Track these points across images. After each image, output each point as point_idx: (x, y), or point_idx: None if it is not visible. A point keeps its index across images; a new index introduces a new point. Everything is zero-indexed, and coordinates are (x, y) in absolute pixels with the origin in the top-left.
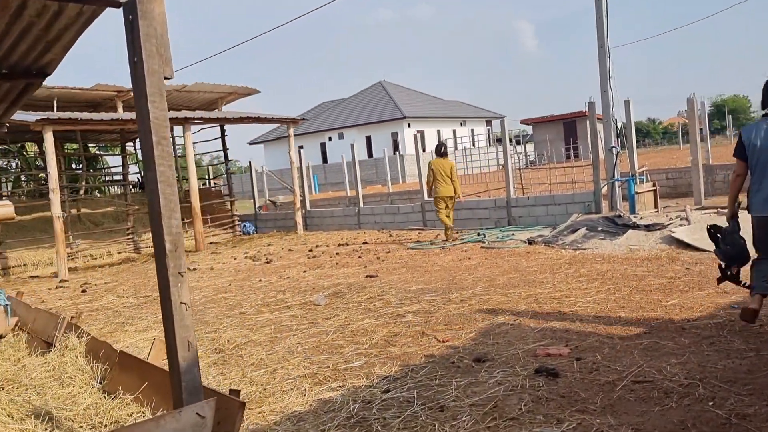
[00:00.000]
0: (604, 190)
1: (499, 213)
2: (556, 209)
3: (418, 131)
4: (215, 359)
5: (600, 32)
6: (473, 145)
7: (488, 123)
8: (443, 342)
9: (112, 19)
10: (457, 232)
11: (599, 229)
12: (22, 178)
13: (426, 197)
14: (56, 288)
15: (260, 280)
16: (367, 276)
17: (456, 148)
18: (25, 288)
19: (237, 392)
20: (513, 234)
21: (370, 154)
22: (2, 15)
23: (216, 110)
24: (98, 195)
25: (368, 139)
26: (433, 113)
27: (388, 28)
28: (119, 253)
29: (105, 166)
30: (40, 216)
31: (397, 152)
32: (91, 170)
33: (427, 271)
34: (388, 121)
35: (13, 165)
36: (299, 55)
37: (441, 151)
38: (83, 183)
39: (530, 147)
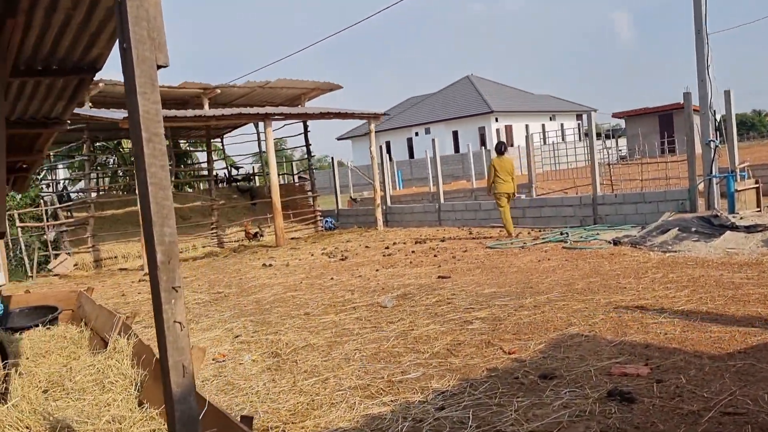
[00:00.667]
0: (701, 187)
1: (584, 211)
2: (646, 207)
3: (505, 126)
4: (270, 364)
5: (697, 16)
6: (562, 139)
7: (578, 117)
8: (509, 354)
9: (191, 16)
10: (539, 231)
11: (693, 229)
12: (119, 173)
13: (488, 193)
14: (138, 281)
15: (332, 279)
16: (439, 277)
17: (544, 143)
18: (111, 281)
19: (249, 420)
20: (598, 233)
21: (456, 149)
22: (37, 7)
23: (299, 106)
24: (189, 190)
25: (455, 134)
26: (522, 107)
27: (477, 21)
28: (203, 247)
29: (195, 162)
30: (133, 210)
31: (483, 147)
32: (182, 166)
33: (502, 273)
34: (475, 116)
35: (111, 161)
36: (386, 50)
37: (501, 149)
38: (173, 178)
39: (622, 141)
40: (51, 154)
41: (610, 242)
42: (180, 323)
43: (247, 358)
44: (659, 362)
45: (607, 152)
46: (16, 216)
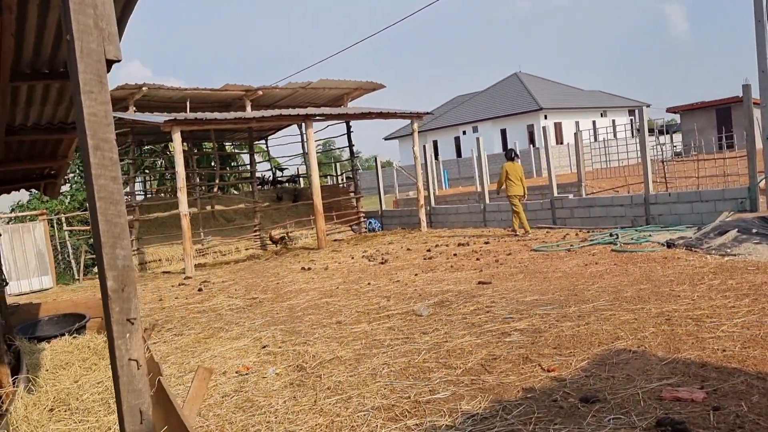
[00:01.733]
0: (762, 184)
1: (636, 211)
2: (702, 207)
3: (554, 123)
4: (293, 378)
5: (757, 4)
6: (614, 136)
7: (631, 113)
8: (548, 371)
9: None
10: (587, 232)
11: (754, 231)
12: (166, 176)
13: (497, 194)
14: (179, 285)
15: (369, 284)
16: (479, 282)
17: (594, 140)
18: (152, 284)
19: None
20: (650, 235)
21: (504, 148)
22: (28, 5)
23: (342, 106)
24: (235, 192)
25: (503, 132)
26: (571, 104)
27: (524, 18)
28: (246, 249)
29: (240, 164)
30: (176, 213)
31: (531, 145)
32: (227, 168)
33: (546, 278)
34: (523, 113)
35: (158, 164)
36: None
37: (512, 156)
38: (217, 180)
39: (677, 137)
40: None
41: (663, 244)
42: (136, 361)
43: (271, 372)
44: (717, 385)
45: (661, 149)
46: (63, 219)
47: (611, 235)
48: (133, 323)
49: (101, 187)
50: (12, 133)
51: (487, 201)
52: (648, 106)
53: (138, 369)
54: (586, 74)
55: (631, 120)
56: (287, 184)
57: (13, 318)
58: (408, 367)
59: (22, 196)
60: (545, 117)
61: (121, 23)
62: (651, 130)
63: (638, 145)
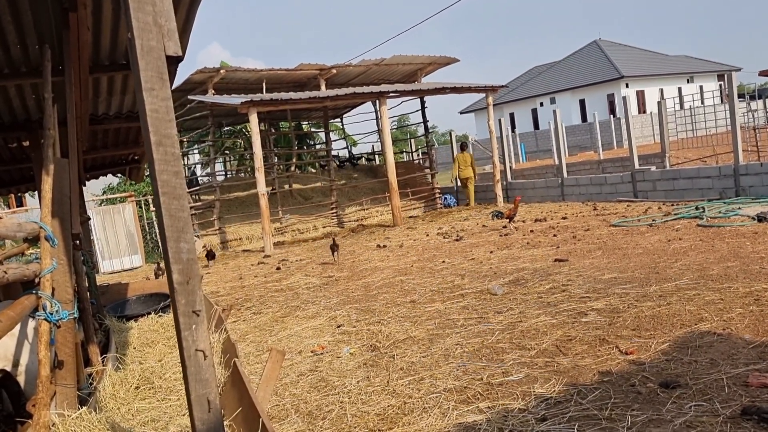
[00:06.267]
0: None
1: (724, 182)
2: None
3: (636, 91)
4: (366, 359)
5: None
6: (701, 103)
7: (720, 78)
8: (626, 354)
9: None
10: (671, 206)
11: None
12: (245, 156)
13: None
14: (257, 264)
15: (443, 261)
16: (555, 260)
17: (680, 108)
18: (233, 263)
19: None
20: (739, 208)
21: (584, 119)
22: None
23: (416, 82)
24: (313, 171)
25: (582, 102)
26: (655, 70)
27: None
28: (324, 227)
29: (317, 142)
30: (255, 192)
31: (612, 115)
32: (304, 147)
33: (626, 255)
34: (603, 83)
35: (238, 144)
36: (508, 19)
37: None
38: (294, 159)
39: None
40: (184, 140)
41: (753, 218)
42: (203, 352)
43: (345, 351)
44: None
45: (753, 115)
46: (150, 201)
47: (697, 208)
48: (198, 315)
49: (164, 183)
50: (96, 122)
51: (565, 175)
52: (738, 69)
53: (204, 359)
54: (672, 39)
55: (720, 85)
56: (362, 161)
57: (103, 298)
58: (481, 348)
59: (112, 179)
60: (627, 85)
61: (187, 22)
62: (741, 96)
63: (727, 111)
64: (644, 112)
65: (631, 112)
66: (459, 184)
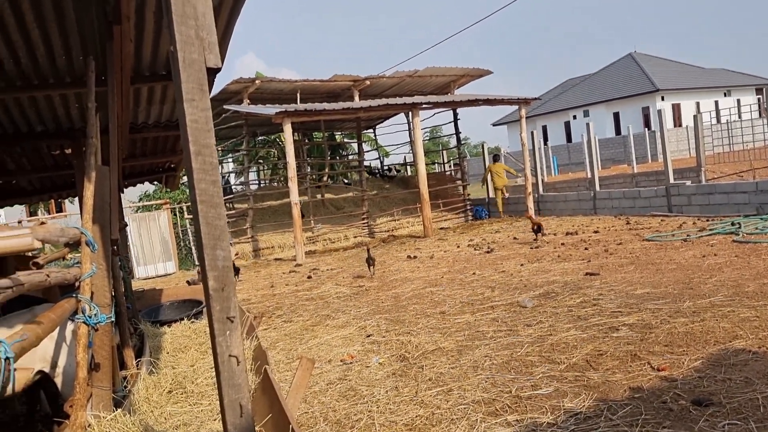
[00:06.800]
0: None
1: (761, 198)
2: None
3: (672, 104)
4: (395, 369)
5: None
6: (738, 117)
7: (758, 91)
8: (658, 370)
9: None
10: (706, 221)
11: None
12: (279, 166)
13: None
14: (289, 272)
15: (474, 273)
16: (586, 273)
17: (717, 121)
18: (265, 271)
19: None
20: None
21: (618, 132)
22: (145, 12)
23: (448, 94)
24: (345, 181)
25: (616, 115)
26: (691, 84)
27: None
28: (355, 237)
29: (350, 153)
30: (287, 201)
31: (647, 129)
32: (336, 157)
33: (659, 270)
34: (638, 95)
35: (271, 154)
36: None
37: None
38: (326, 169)
39: None
40: (219, 149)
41: None
42: (236, 357)
43: (375, 361)
44: None
45: None
46: (185, 208)
47: (733, 224)
48: (232, 321)
49: (202, 191)
50: (135, 131)
51: (598, 188)
52: None
53: (238, 365)
54: (709, 52)
55: (759, 99)
56: (393, 171)
57: (138, 303)
58: (510, 360)
59: (148, 186)
60: (662, 98)
61: (226, 34)
62: None
63: (765, 126)
64: (680, 125)
65: (666, 125)
66: (491, 194)
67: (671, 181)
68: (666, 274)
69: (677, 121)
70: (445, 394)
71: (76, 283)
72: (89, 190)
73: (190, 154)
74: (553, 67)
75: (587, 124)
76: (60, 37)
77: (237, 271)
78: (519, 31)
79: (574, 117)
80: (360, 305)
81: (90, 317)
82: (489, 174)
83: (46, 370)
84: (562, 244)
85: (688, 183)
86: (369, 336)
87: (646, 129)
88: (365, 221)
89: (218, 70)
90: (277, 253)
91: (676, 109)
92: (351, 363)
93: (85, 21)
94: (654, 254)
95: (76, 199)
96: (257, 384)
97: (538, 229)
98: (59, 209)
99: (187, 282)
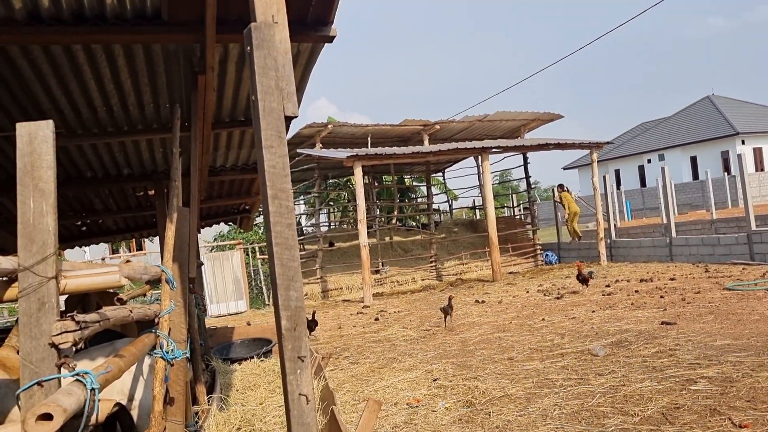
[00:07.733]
0: None
1: None
2: None
3: (753, 148)
4: (461, 414)
5: None
6: None
7: None
8: (740, 427)
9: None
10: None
11: None
12: (349, 208)
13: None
14: (357, 314)
15: (543, 319)
16: (662, 322)
17: None
18: (333, 312)
19: None
20: None
21: (695, 176)
22: (228, 63)
23: (519, 138)
24: (413, 224)
25: (693, 159)
26: None
27: (718, 38)
28: (422, 280)
29: (419, 196)
30: (356, 243)
31: (726, 173)
32: (405, 200)
33: (741, 321)
34: (717, 139)
35: (342, 196)
36: (615, 74)
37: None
38: (395, 212)
39: None
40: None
41: None
42: (305, 396)
43: (441, 406)
44: None
45: None
46: (257, 249)
47: None
48: (303, 360)
49: (278, 234)
50: (214, 173)
51: (674, 234)
52: None
53: (307, 404)
54: None
55: None
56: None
57: (211, 340)
58: (580, 410)
59: (223, 227)
60: (742, 142)
61: (302, 83)
62: None
63: None
64: (762, 170)
65: (747, 169)
66: (567, 223)
67: (753, 227)
68: (748, 325)
69: (759, 165)
70: None
71: (156, 319)
72: (170, 230)
73: (268, 198)
74: (626, 110)
75: (662, 168)
76: (149, 87)
77: (315, 324)
78: (591, 74)
79: (649, 161)
80: (427, 349)
81: (167, 353)
82: (560, 200)
83: (123, 402)
84: (636, 291)
85: None
86: (435, 380)
87: (726, 173)
88: (433, 264)
89: (295, 117)
90: (345, 294)
91: (758, 153)
92: (417, 407)
93: (173, 72)
94: (735, 304)
95: (156, 237)
96: (324, 424)
97: (583, 279)
98: (139, 247)
99: (247, 323)
